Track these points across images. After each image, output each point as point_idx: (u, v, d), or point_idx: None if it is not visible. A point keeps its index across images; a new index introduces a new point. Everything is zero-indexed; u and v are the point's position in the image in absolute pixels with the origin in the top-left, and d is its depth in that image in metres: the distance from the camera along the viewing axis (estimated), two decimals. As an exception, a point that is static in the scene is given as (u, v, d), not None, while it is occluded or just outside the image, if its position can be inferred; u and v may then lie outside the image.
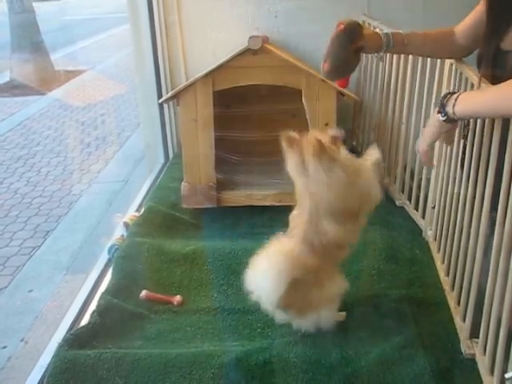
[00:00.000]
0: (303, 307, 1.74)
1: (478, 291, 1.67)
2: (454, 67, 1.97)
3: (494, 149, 1.53)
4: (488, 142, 1.56)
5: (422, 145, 1.74)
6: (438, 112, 1.58)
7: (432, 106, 2.22)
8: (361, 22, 2.00)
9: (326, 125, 2.53)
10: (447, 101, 1.55)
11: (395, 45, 1.95)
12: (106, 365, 1.67)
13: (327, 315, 1.77)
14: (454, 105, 1.52)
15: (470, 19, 1.91)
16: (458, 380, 1.62)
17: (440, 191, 2.15)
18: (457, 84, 1.92)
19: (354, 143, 3.24)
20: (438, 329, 1.82)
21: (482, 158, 1.62)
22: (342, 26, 1.87)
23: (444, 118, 1.57)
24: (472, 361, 1.67)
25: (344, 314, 1.88)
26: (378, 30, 1.99)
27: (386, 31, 1.97)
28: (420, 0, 3.07)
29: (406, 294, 1.99)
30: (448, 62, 2.02)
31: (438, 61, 2.15)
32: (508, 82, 1.36)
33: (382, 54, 2.02)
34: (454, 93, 1.56)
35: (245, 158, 2.89)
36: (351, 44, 1.89)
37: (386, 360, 1.66)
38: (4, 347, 3.05)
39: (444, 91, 2.03)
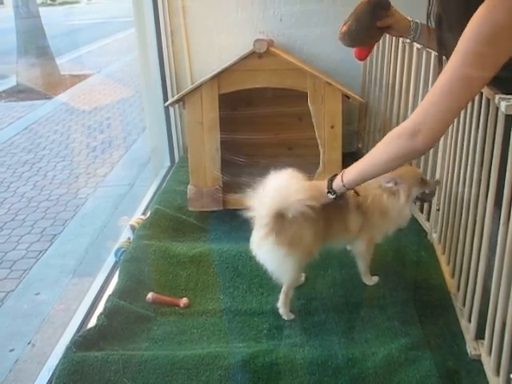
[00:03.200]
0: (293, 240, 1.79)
1: (483, 292, 1.67)
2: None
3: (496, 149, 1.53)
4: (491, 142, 1.57)
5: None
6: (328, 192, 1.79)
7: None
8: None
9: (332, 127, 2.54)
10: (332, 180, 1.78)
11: (421, 35, 1.97)
12: (113, 366, 1.68)
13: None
14: (342, 180, 1.75)
15: None
16: (464, 381, 1.62)
17: (444, 194, 2.16)
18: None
19: (360, 145, 3.25)
20: (443, 330, 1.82)
21: (485, 158, 1.63)
22: None
23: (333, 196, 1.79)
24: (478, 361, 1.68)
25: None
26: (409, 18, 2.00)
27: (416, 20, 1.98)
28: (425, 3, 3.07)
29: (412, 295, 1.99)
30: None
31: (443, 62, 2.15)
32: (377, 145, 1.65)
33: (409, 41, 2.08)
34: (336, 174, 1.79)
35: (251, 160, 2.90)
36: (373, 16, 1.91)
37: (392, 361, 1.66)
38: (11, 350, 3.05)
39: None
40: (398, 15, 1.99)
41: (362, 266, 2.07)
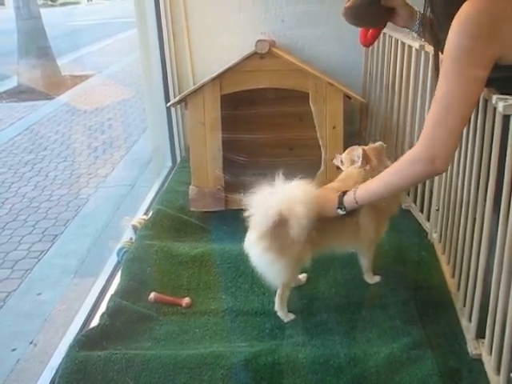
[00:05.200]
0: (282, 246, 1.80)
1: (483, 292, 1.68)
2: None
3: (494, 149, 1.54)
4: (489, 142, 1.58)
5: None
6: (338, 202, 1.81)
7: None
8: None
9: (334, 127, 2.55)
10: (347, 194, 1.81)
11: (426, 28, 1.93)
12: (116, 366, 1.68)
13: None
14: (353, 195, 1.78)
15: None
16: (465, 380, 1.63)
17: (443, 194, 2.16)
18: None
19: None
20: (444, 330, 1.83)
21: (483, 158, 1.63)
22: None
23: (343, 212, 1.82)
24: (479, 361, 1.68)
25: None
26: (416, 8, 1.95)
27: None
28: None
29: (413, 295, 2.00)
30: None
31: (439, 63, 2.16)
32: (386, 170, 1.71)
33: (414, 33, 2.02)
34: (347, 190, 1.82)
35: (252, 160, 2.91)
36: None
37: (394, 361, 1.67)
38: (13, 350, 3.06)
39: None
40: (403, 1, 1.96)
41: (365, 263, 2.07)
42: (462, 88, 1.47)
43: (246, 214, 1.80)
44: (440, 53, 1.65)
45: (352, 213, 1.85)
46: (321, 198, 1.84)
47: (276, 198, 1.76)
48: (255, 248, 1.84)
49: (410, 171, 1.62)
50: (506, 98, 1.42)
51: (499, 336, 1.55)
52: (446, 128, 1.50)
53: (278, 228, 1.77)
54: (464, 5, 1.44)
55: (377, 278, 2.09)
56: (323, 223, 1.83)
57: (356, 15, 1.97)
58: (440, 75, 1.50)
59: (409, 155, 1.61)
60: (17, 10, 9.64)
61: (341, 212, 1.81)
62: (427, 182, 2.43)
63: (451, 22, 1.46)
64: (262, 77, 2.55)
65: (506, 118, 1.44)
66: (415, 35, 2.19)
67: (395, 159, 2.64)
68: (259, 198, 1.78)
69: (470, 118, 1.71)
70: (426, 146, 1.54)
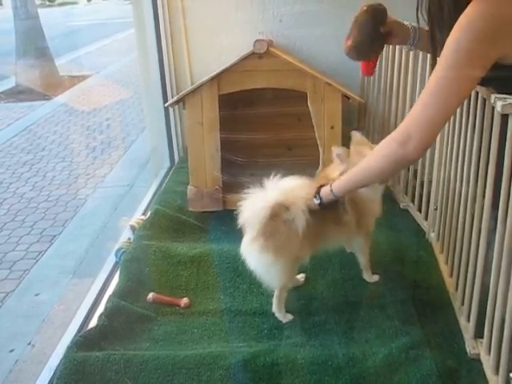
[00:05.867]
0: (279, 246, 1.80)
1: (482, 291, 1.68)
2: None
3: (493, 148, 1.54)
4: (487, 141, 1.58)
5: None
6: (314, 197, 1.82)
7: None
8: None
9: (332, 128, 2.55)
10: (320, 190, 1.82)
11: (420, 39, 1.95)
12: (114, 366, 1.68)
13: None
14: (330, 187, 1.79)
15: None
16: (463, 380, 1.63)
17: (442, 193, 2.17)
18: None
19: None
20: (443, 329, 1.83)
21: (481, 157, 1.63)
22: (365, 7, 1.91)
23: (318, 202, 1.82)
24: (477, 361, 1.68)
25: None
26: (406, 23, 1.97)
27: (413, 24, 1.94)
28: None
29: (411, 294, 2.00)
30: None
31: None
32: (368, 154, 1.72)
33: (409, 47, 2.04)
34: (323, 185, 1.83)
35: (250, 160, 2.90)
36: (375, 23, 1.90)
37: (392, 361, 1.67)
38: (11, 350, 3.06)
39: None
40: (396, 20, 1.98)
41: (363, 261, 2.07)
42: (455, 84, 1.47)
43: (239, 221, 1.81)
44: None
45: (332, 206, 1.85)
46: (310, 185, 1.87)
47: (268, 196, 1.78)
48: (251, 250, 1.84)
49: (384, 152, 1.61)
50: (505, 98, 1.42)
51: (497, 335, 1.55)
52: (427, 114, 1.49)
53: (273, 228, 1.78)
54: (468, 7, 1.44)
55: (376, 277, 2.09)
56: (318, 220, 1.84)
57: (360, 52, 1.98)
58: (437, 63, 1.49)
59: (388, 137, 1.61)
60: (15, 10, 9.63)
61: (316, 201, 1.82)
62: (425, 182, 2.44)
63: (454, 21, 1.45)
64: (260, 77, 2.55)
65: (504, 117, 1.44)
66: (406, 49, 2.21)
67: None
68: (250, 200, 1.79)
69: (469, 115, 1.72)
70: (404, 128, 1.54)
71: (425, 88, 1.53)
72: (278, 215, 1.78)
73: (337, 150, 1.96)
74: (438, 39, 1.61)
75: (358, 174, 1.74)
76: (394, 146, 1.56)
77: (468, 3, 1.44)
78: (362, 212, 1.96)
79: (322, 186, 1.83)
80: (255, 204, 1.79)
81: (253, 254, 1.85)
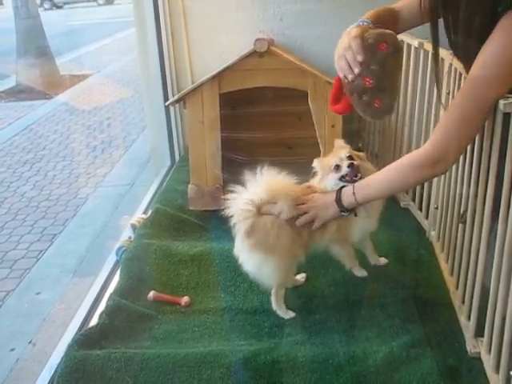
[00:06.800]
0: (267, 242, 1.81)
1: (482, 290, 1.68)
2: (453, 67, 1.98)
3: (495, 147, 1.54)
4: (489, 140, 1.57)
5: (317, 223, 1.87)
6: (338, 206, 1.81)
7: (433, 108, 2.23)
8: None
9: (333, 126, 2.55)
10: (343, 196, 1.81)
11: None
12: (115, 365, 1.68)
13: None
14: (354, 196, 1.78)
15: None
16: (464, 379, 1.63)
17: (442, 192, 2.16)
18: (457, 83, 1.93)
19: (360, 144, 3.25)
20: (444, 328, 1.83)
21: (483, 156, 1.63)
22: (385, 44, 1.57)
23: (345, 214, 1.83)
24: (478, 359, 1.68)
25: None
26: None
27: (366, 20, 1.72)
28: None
29: (412, 293, 2.00)
30: (447, 61, 2.02)
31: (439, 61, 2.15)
32: (389, 167, 1.67)
33: None
34: (345, 186, 1.82)
35: (251, 159, 2.89)
36: (399, 63, 1.67)
37: (393, 359, 1.67)
38: (12, 349, 3.06)
39: (444, 91, 2.05)
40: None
41: (347, 263, 2.05)
42: (485, 100, 1.46)
43: (230, 223, 1.84)
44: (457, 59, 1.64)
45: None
46: (319, 205, 1.86)
47: (251, 195, 1.81)
48: (242, 249, 1.86)
49: (416, 174, 1.62)
50: (507, 96, 1.42)
51: (498, 334, 1.55)
52: (458, 134, 1.49)
53: (260, 226, 1.80)
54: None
55: (363, 273, 2.08)
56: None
57: (390, 108, 1.69)
58: (466, 81, 1.48)
59: (417, 157, 1.60)
60: (15, 10, 9.63)
61: (345, 214, 1.84)
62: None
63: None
64: (260, 75, 2.55)
65: (506, 115, 1.44)
66: None
67: (393, 157, 2.67)
68: (235, 200, 1.83)
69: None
70: (437, 149, 1.53)
71: (453, 106, 1.52)
72: (263, 213, 1.80)
73: (337, 143, 1.99)
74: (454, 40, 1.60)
75: (384, 190, 1.78)
76: (426, 169, 1.56)
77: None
78: (338, 220, 1.92)
79: (337, 196, 1.82)
80: (239, 204, 1.82)
81: (243, 253, 1.87)
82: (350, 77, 1.61)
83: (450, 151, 1.51)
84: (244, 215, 1.81)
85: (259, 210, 1.80)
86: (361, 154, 2.00)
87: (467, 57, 1.50)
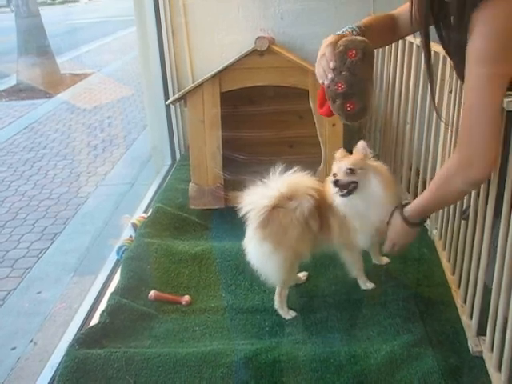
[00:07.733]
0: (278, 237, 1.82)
1: (484, 289, 1.68)
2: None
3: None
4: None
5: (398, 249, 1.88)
6: (407, 223, 1.80)
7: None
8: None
9: (334, 125, 2.54)
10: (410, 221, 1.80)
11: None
12: (116, 364, 1.68)
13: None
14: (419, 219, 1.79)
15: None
16: (466, 378, 1.63)
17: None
18: (459, 82, 1.92)
19: (361, 143, 3.25)
20: (445, 327, 1.83)
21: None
22: (354, 51, 1.61)
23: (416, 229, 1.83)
24: (480, 358, 1.68)
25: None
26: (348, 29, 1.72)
27: (353, 26, 1.72)
28: None
29: (414, 292, 2.00)
30: (449, 62, 2.02)
31: (440, 60, 2.15)
32: (436, 185, 1.62)
33: None
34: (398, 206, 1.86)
35: (252, 158, 2.90)
36: (370, 65, 1.66)
37: (395, 358, 1.67)
38: (13, 348, 3.05)
39: (446, 91, 2.04)
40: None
41: (353, 272, 2.05)
42: (496, 91, 1.42)
43: (241, 212, 1.83)
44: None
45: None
46: (397, 232, 1.85)
47: (270, 187, 1.82)
48: (252, 239, 1.86)
49: (454, 184, 1.55)
50: (510, 94, 1.42)
51: (500, 333, 1.55)
52: (482, 132, 1.45)
53: (274, 218, 1.81)
54: (488, 8, 1.35)
55: (370, 285, 2.06)
56: (319, 216, 1.88)
57: (366, 111, 1.71)
58: (470, 80, 1.46)
59: (450, 166, 1.57)
60: (16, 9, 9.62)
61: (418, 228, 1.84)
62: (427, 179, 2.42)
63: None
64: (261, 74, 2.55)
65: (509, 113, 1.43)
66: None
67: (395, 159, 2.67)
68: (253, 192, 1.84)
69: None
70: (464, 154, 1.49)
71: (467, 108, 1.48)
72: (279, 206, 1.81)
73: (337, 154, 1.97)
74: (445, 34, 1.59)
75: (436, 204, 1.78)
76: (461, 176, 1.51)
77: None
78: (341, 225, 1.93)
79: (406, 221, 1.81)
80: (257, 195, 1.83)
81: (253, 242, 1.86)
82: (325, 83, 1.67)
83: (478, 150, 1.47)
84: (261, 206, 1.81)
85: (277, 203, 1.81)
86: (368, 155, 1.94)
87: (462, 63, 1.48)
